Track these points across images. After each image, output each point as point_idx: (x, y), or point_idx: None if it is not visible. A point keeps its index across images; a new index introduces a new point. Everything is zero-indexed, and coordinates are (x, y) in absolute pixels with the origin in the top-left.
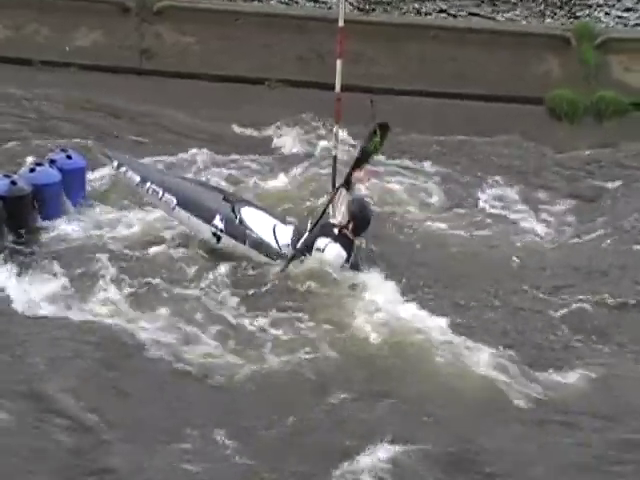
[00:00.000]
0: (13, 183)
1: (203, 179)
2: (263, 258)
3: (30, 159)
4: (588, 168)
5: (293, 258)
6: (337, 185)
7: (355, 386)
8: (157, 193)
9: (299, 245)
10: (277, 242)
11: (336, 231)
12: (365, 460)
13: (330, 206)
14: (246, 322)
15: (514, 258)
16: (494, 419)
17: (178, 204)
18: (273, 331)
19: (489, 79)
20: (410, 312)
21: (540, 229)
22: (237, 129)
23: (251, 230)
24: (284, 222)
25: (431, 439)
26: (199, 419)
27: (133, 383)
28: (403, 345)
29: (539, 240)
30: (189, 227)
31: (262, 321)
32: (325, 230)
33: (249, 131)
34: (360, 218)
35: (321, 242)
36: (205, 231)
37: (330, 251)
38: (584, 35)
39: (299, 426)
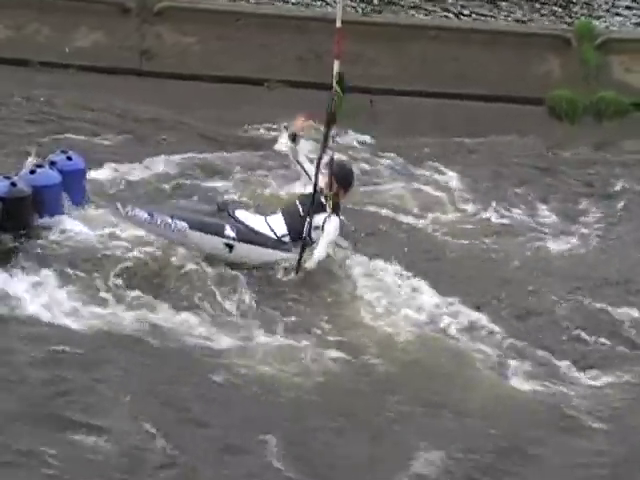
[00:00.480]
0: (13, 185)
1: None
2: (269, 256)
3: (30, 161)
4: (591, 169)
5: (303, 253)
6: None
7: (401, 394)
8: (169, 223)
9: (304, 233)
10: (275, 234)
11: (323, 200)
12: (421, 469)
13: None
14: (280, 329)
15: (524, 263)
16: (546, 429)
17: (190, 227)
18: (303, 338)
19: (490, 79)
20: (430, 312)
21: (544, 231)
22: (236, 130)
23: (253, 229)
24: (268, 214)
25: (483, 448)
26: (262, 432)
27: (192, 396)
28: (435, 348)
29: (546, 244)
30: (201, 246)
31: (291, 327)
32: (316, 206)
33: (248, 132)
34: (344, 178)
35: (318, 219)
36: (217, 244)
37: (330, 226)
38: (585, 35)
39: (363, 437)
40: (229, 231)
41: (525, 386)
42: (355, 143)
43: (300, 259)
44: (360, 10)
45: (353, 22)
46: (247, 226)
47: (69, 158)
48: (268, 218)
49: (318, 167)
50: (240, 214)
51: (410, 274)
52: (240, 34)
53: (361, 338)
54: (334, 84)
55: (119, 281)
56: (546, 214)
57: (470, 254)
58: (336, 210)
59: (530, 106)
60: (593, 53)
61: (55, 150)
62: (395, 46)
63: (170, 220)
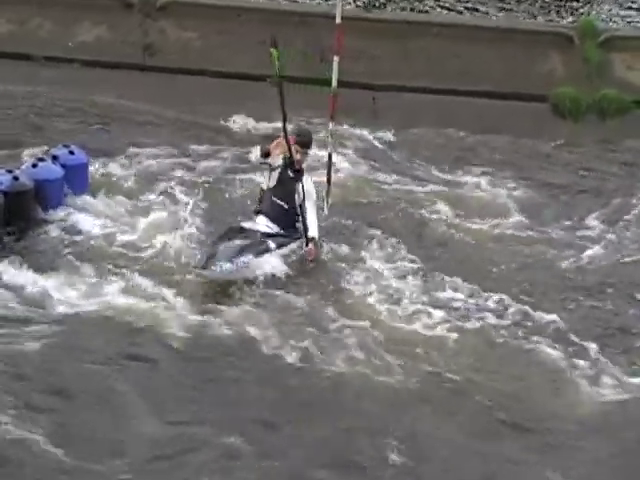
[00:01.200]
0: (15, 178)
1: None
2: (291, 249)
3: (33, 154)
4: (597, 167)
5: (306, 232)
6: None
7: (483, 402)
8: (244, 261)
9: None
10: (277, 231)
11: (292, 172)
12: None
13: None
14: (327, 328)
15: (534, 260)
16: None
17: (256, 257)
18: (355, 339)
19: (493, 76)
20: (461, 311)
21: (547, 230)
22: (239, 125)
23: (273, 234)
24: (253, 219)
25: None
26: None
27: (258, 404)
28: (485, 348)
29: (553, 243)
30: (261, 269)
31: (336, 326)
32: (297, 178)
33: (250, 127)
34: (308, 142)
35: (301, 191)
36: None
37: (309, 189)
38: (587, 33)
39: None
40: (271, 244)
41: (601, 392)
42: (372, 139)
43: (306, 232)
44: (362, 4)
45: (355, 18)
46: (270, 234)
47: (71, 152)
48: (261, 220)
49: (288, 143)
50: (249, 225)
51: (424, 272)
52: (242, 29)
53: (409, 340)
54: (270, 49)
55: (146, 277)
56: (550, 214)
57: (483, 253)
58: (301, 172)
59: (534, 103)
60: (595, 51)
61: (57, 144)
62: (398, 42)
63: (244, 257)
